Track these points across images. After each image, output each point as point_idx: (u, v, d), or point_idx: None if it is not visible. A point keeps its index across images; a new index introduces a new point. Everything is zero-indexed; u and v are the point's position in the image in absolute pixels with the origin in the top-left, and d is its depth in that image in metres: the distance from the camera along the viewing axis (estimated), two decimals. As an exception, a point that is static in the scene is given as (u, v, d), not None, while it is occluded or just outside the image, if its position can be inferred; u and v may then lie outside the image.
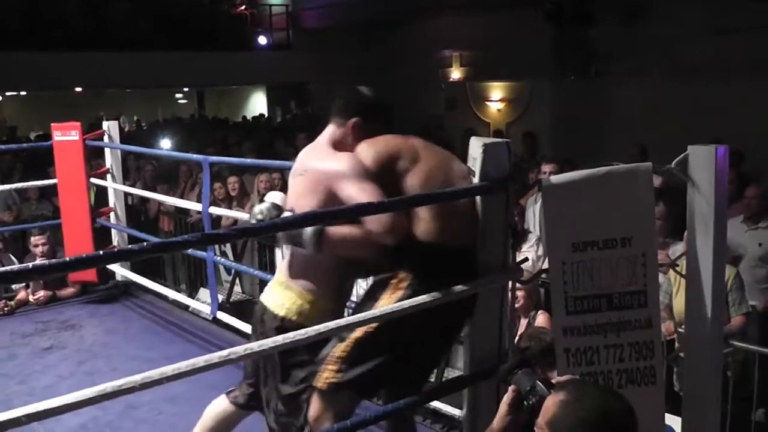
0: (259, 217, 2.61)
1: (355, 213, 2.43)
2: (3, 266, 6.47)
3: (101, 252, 1.77)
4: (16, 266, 1.70)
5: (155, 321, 5.90)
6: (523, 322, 4.80)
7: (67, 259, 1.61)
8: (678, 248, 4.80)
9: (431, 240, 2.57)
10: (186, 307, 6.04)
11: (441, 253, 2.57)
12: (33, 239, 6.45)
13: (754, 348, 4.43)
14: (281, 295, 2.81)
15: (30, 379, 4.79)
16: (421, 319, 2.50)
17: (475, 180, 2.58)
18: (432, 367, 3.11)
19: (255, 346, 2.02)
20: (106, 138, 6.54)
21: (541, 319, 4.72)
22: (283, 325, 2.73)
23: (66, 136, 6.28)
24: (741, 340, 4.62)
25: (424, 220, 2.57)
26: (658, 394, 2.68)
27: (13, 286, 6.21)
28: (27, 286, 6.25)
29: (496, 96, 15.00)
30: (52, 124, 6.47)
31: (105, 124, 6.62)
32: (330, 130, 2.81)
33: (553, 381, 1.85)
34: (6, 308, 6.05)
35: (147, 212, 8.87)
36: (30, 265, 1.61)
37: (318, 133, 2.84)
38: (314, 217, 2.33)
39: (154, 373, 1.77)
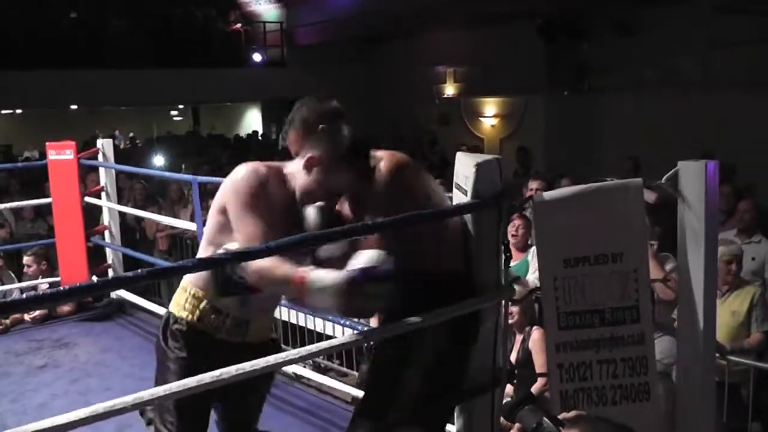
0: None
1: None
2: (3, 284, 6.55)
3: (97, 280, 1.78)
4: (13, 298, 1.69)
5: (150, 339, 5.82)
6: (518, 337, 4.81)
7: (64, 288, 1.61)
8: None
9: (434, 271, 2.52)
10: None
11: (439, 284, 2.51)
12: (25, 259, 6.47)
13: (750, 362, 4.46)
14: (177, 292, 2.79)
15: (23, 397, 4.77)
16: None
17: (467, 198, 2.57)
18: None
19: (247, 366, 2.00)
20: (100, 156, 6.54)
21: (536, 335, 4.72)
22: (168, 322, 2.75)
23: (61, 155, 6.30)
24: (756, 358, 4.67)
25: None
26: (653, 410, 2.68)
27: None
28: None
29: (490, 111, 15.06)
30: (47, 143, 6.49)
31: (99, 143, 6.63)
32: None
33: (560, 417, 1.78)
34: (0, 326, 6.05)
35: (142, 231, 8.85)
36: (25, 295, 1.62)
37: None
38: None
39: (145, 394, 1.77)
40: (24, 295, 1.59)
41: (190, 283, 2.71)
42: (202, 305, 2.68)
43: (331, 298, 2.22)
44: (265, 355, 2.19)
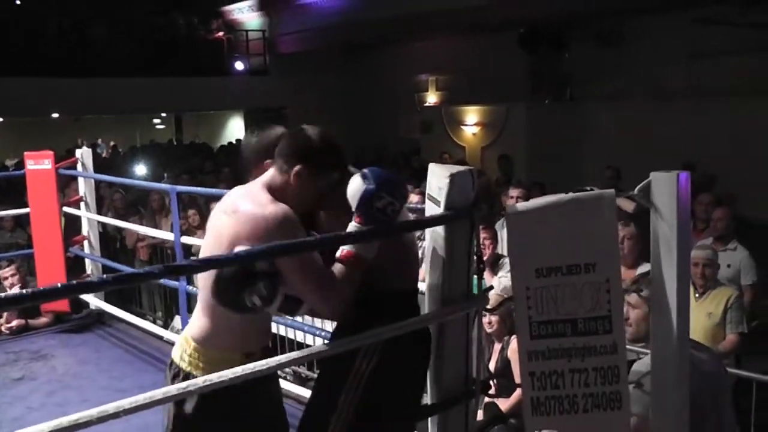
0: None
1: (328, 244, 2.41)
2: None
3: (59, 284, 1.74)
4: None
5: (128, 350, 5.86)
6: (497, 346, 4.81)
7: (28, 290, 1.60)
8: (644, 270, 4.89)
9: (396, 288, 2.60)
10: (160, 337, 6.01)
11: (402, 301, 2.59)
12: (2, 272, 6.42)
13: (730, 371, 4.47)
14: (180, 340, 2.66)
15: (-2, 410, 4.75)
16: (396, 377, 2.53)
17: (440, 209, 2.59)
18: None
19: (200, 381, 1.97)
20: (79, 166, 6.52)
21: (514, 343, 4.72)
22: (177, 373, 2.59)
23: (39, 164, 6.27)
24: (734, 362, 4.72)
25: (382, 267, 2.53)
26: (624, 418, 2.69)
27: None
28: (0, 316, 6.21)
29: (472, 120, 15.08)
30: (25, 153, 6.46)
31: (78, 152, 6.61)
32: (270, 174, 2.55)
33: None
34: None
35: (122, 240, 8.82)
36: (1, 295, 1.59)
37: None
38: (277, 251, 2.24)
39: (111, 407, 1.75)
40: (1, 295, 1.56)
41: (207, 342, 2.57)
42: (237, 358, 2.51)
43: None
44: None
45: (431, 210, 2.69)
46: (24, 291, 1.62)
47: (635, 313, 3.02)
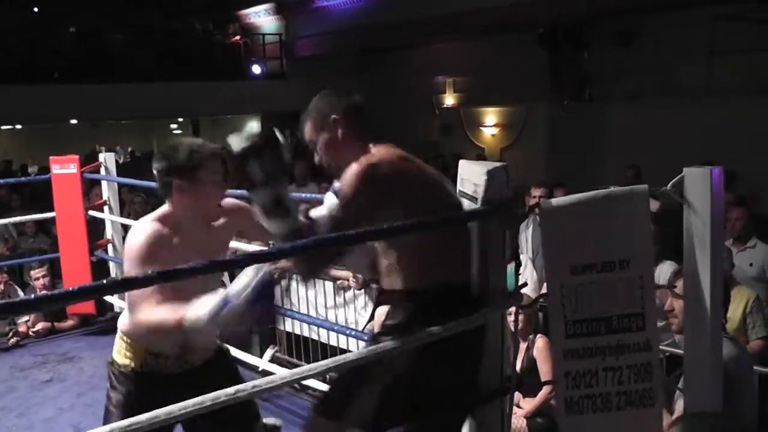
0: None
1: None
2: (10, 298, 6.51)
3: (104, 281, 1.76)
4: (22, 298, 1.68)
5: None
6: (522, 345, 4.80)
7: (72, 288, 1.61)
8: (664, 268, 4.87)
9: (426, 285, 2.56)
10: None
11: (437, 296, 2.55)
12: (33, 272, 6.47)
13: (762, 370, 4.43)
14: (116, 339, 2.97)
15: (29, 411, 4.77)
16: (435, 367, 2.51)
17: (477, 205, 2.58)
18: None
19: (263, 382, 1.97)
20: (102, 170, 6.56)
21: (540, 342, 4.73)
22: (112, 370, 2.95)
23: (64, 168, 6.32)
24: (758, 364, 4.65)
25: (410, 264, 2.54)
26: (657, 416, 2.68)
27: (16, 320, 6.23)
28: (26, 320, 6.25)
29: (491, 121, 15.05)
30: (50, 158, 6.50)
31: (101, 156, 6.64)
32: None
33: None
34: (13, 340, 6.06)
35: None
36: (33, 296, 1.60)
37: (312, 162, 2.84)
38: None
39: (161, 412, 1.76)
40: (33, 296, 1.57)
41: (123, 332, 2.89)
42: (140, 352, 2.86)
43: (207, 331, 2.36)
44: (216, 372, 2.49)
45: (466, 206, 2.68)
46: (72, 288, 1.62)
47: (679, 304, 2.99)
